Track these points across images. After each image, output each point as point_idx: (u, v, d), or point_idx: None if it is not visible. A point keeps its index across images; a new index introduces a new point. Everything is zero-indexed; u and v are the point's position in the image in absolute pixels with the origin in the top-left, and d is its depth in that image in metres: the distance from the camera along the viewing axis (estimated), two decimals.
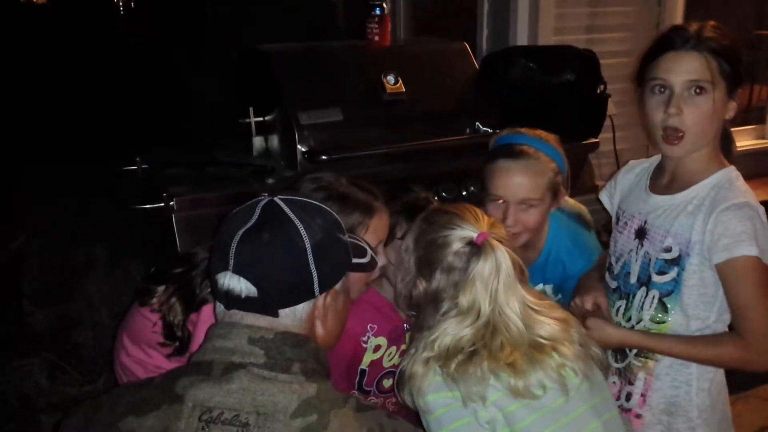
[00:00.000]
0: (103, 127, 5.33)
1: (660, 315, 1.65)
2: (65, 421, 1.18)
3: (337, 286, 1.21)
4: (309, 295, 1.16)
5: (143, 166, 2.55)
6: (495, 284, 1.42)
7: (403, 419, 1.18)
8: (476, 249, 1.43)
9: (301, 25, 4.04)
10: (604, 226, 2.94)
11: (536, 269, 1.92)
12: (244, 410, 1.05)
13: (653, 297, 1.66)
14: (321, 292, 1.17)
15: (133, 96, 5.84)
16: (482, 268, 1.42)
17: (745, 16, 4.21)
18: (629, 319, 1.72)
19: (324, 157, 2.34)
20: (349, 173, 1.80)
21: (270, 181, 2.37)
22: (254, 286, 1.12)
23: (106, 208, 2.49)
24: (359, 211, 1.63)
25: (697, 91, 1.55)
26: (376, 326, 1.83)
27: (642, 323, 1.69)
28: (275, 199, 1.18)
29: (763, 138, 4.08)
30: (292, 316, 1.16)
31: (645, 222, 1.71)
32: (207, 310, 1.66)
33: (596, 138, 2.83)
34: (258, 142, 2.64)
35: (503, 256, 1.43)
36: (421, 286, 1.51)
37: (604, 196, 1.93)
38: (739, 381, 1.80)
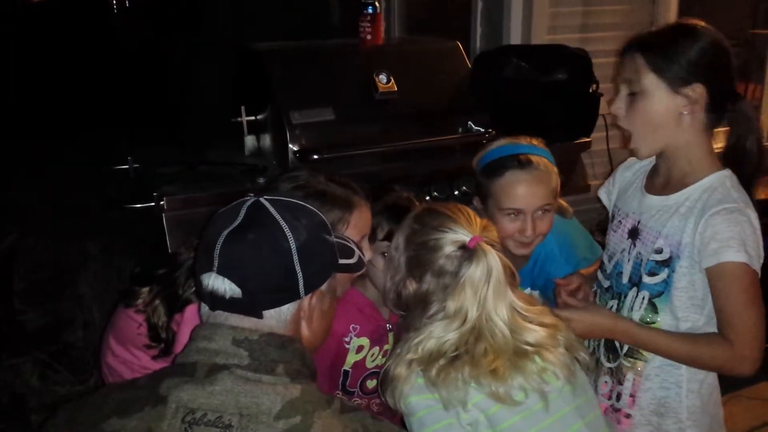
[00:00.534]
0: (95, 126, 5.32)
1: (650, 316, 1.65)
2: (50, 421, 1.18)
3: (323, 287, 1.21)
4: (294, 296, 1.16)
5: (135, 166, 2.55)
6: (485, 290, 1.41)
7: (388, 420, 1.18)
8: (468, 253, 1.43)
9: (295, 23, 4.03)
10: (598, 224, 2.95)
11: (525, 274, 1.92)
12: (227, 412, 1.05)
13: (643, 298, 1.66)
14: (306, 293, 1.17)
15: (125, 95, 5.82)
16: (473, 272, 1.41)
17: (740, 15, 4.21)
18: None
19: (316, 156, 2.33)
20: (340, 172, 1.79)
21: (261, 180, 2.37)
22: (238, 287, 1.11)
23: (98, 207, 2.48)
24: (338, 207, 1.61)
25: (632, 92, 1.60)
26: (358, 327, 1.82)
27: None
28: (261, 199, 1.18)
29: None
30: (277, 317, 1.15)
31: (638, 222, 1.71)
32: (190, 311, 1.66)
33: (588, 137, 2.83)
34: (250, 141, 2.63)
35: (495, 260, 1.43)
36: (411, 287, 1.51)
37: (602, 193, 1.93)
38: (731, 381, 1.79)
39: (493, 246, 1.46)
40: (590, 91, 2.70)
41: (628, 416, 1.72)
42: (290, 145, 2.38)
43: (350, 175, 1.78)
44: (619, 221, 1.78)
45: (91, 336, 3.27)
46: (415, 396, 1.38)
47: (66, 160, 4.62)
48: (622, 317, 1.68)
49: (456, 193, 2.55)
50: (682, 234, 1.58)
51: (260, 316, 1.14)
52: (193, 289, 1.68)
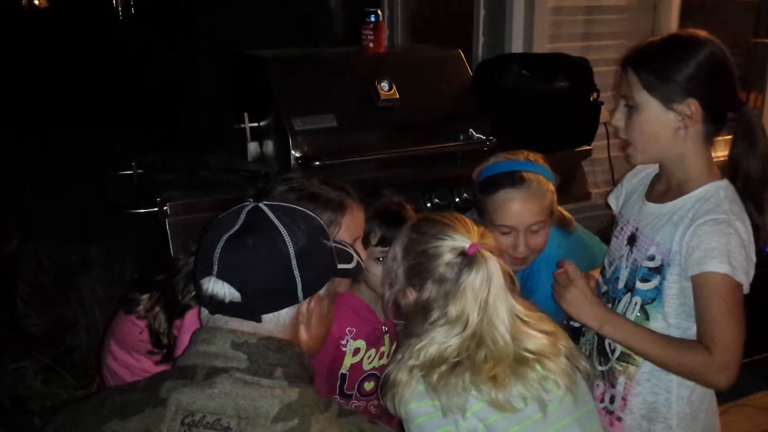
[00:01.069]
0: (99, 131, 5.35)
1: (642, 322, 1.65)
2: (51, 423, 1.19)
3: (321, 292, 1.22)
4: (293, 300, 1.17)
5: (138, 171, 2.57)
6: (485, 294, 1.42)
7: (385, 424, 1.19)
8: (468, 260, 1.44)
9: (298, 31, 4.06)
10: (599, 232, 2.95)
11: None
12: (225, 414, 1.06)
13: (636, 303, 1.67)
14: (304, 298, 1.18)
15: (128, 100, 5.85)
16: (474, 279, 1.42)
17: (741, 24, 4.22)
18: None
19: (317, 163, 2.35)
20: (342, 179, 1.81)
21: (261, 185, 2.38)
22: (238, 291, 1.13)
23: (101, 212, 2.50)
24: (330, 209, 1.62)
25: (627, 105, 1.62)
26: (354, 329, 1.83)
27: None
28: (260, 204, 1.19)
29: None
30: (275, 321, 1.16)
31: (636, 229, 1.72)
32: (191, 315, 1.67)
33: (589, 145, 2.85)
34: (252, 147, 2.65)
35: (494, 266, 1.44)
36: (411, 296, 1.51)
37: (612, 199, 1.94)
38: (733, 390, 1.79)
39: (491, 252, 1.47)
40: (591, 99, 2.72)
41: (619, 419, 1.73)
42: (292, 152, 2.40)
43: (351, 182, 1.80)
44: (621, 227, 1.79)
45: (94, 340, 3.27)
46: (415, 403, 1.39)
47: (69, 165, 4.64)
48: (608, 311, 1.68)
49: (457, 200, 2.56)
50: (672, 242, 1.59)
51: (259, 320, 1.15)
52: (193, 294, 1.69)
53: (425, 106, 2.65)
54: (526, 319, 1.47)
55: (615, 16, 3.41)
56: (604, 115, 2.81)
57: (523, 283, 1.94)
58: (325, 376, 1.79)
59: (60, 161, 4.82)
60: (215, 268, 1.13)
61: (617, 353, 1.72)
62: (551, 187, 1.88)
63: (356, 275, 1.42)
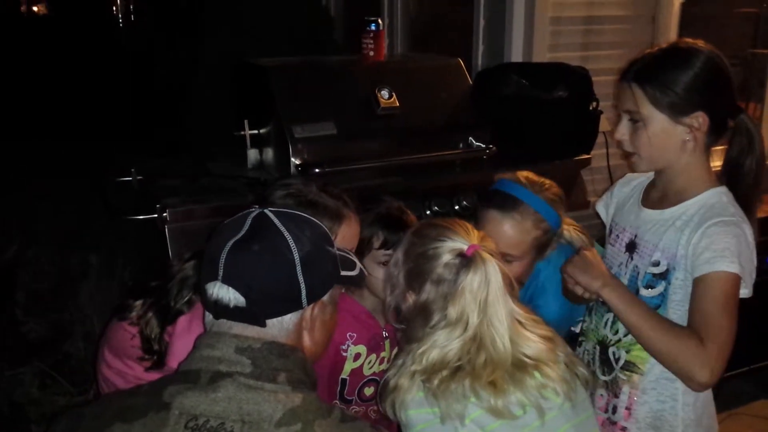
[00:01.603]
0: (98, 137, 5.35)
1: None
2: (52, 428, 1.19)
3: (325, 298, 1.23)
4: (297, 306, 1.17)
5: (138, 178, 2.57)
6: (484, 296, 1.42)
7: (386, 429, 1.19)
8: (466, 261, 1.44)
9: (298, 38, 4.07)
10: (597, 241, 2.96)
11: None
12: (229, 418, 1.06)
13: None
14: (308, 303, 1.18)
15: (128, 106, 5.86)
16: (472, 280, 1.42)
17: (739, 35, 4.24)
18: (616, 332, 1.73)
19: (317, 170, 2.36)
20: (341, 186, 1.81)
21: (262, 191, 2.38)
22: (243, 296, 1.13)
23: (101, 218, 2.50)
24: (327, 217, 1.62)
25: (632, 120, 1.61)
26: (355, 334, 1.84)
27: (628, 336, 1.69)
28: (265, 211, 1.20)
29: None
30: (279, 327, 1.17)
31: (635, 236, 1.73)
32: (183, 321, 1.68)
33: (588, 154, 2.86)
34: (252, 154, 2.66)
35: (493, 268, 1.44)
36: (411, 299, 1.51)
37: (600, 207, 1.94)
38: (731, 398, 1.80)
39: (492, 255, 1.47)
40: (590, 108, 2.73)
41: (623, 429, 1.73)
42: (292, 159, 2.40)
43: (351, 189, 1.81)
44: (617, 235, 1.80)
45: (92, 347, 3.26)
46: (414, 410, 1.39)
47: (69, 171, 4.63)
48: (616, 280, 1.65)
49: (456, 207, 2.57)
50: (677, 246, 1.59)
51: (263, 325, 1.15)
52: (186, 300, 1.71)
53: (425, 115, 2.66)
54: (524, 321, 1.47)
55: (614, 26, 3.43)
56: (603, 124, 2.83)
57: (527, 301, 1.92)
58: (325, 381, 1.79)
59: (59, 167, 4.81)
60: (221, 272, 1.14)
61: (621, 362, 1.72)
62: (544, 225, 1.79)
63: (359, 282, 1.42)
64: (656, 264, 1.64)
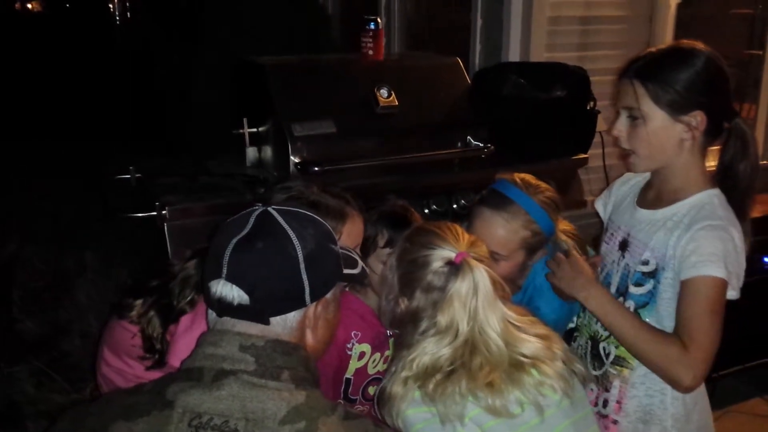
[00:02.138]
0: (96, 136, 5.34)
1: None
2: (55, 426, 1.18)
3: (328, 296, 1.23)
4: (300, 303, 1.17)
5: (136, 176, 2.57)
6: (473, 303, 1.43)
7: (390, 428, 1.20)
8: (455, 269, 1.45)
9: (297, 37, 4.07)
10: (594, 239, 2.97)
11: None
12: (233, 416, 1.06)
13: (629, 308, 1.69)
14: (312, 301, 1.19)
15: (126, 105, 5.84)
16: (460, 287, 1.43)
17: (735, 35, 4.26)
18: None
19: (316, 169, 2.36)
20: (340, 185, 1.82)
21: (262, 191, 2.38)
22: (246, 294, 1.13)
23: (98, 216, 2.50)
24: (330, 217, 1.61)
25: (632, 116, 1.62)
26: (360, 333, 1.84)
27: None
28: (269, 209, 1.20)
29: None
30: (283, 324, 1.17)
31: (628, 234, 1.74)
32: (185, 321, 1.68)
33: (586, 153, 2.87)
34: (251, 152, 2.66)
35: (481, 275, 1.44)
36: (403, 304, 1.52)
37: (599, 204, 1.96)
38: (725, 397, 1.81)
39: (481, 261, 1.47)
40: (588, 108, 2.74)
41: (615, 422, 1.75)
42: (291, 157, 2.40)
43: (350, 188, 1.81)
44: (611, 233, 1.82)
45: (88, 345, 3.26)
46: (413, 409, 1.39)
47: (66, 170, 4.63)
48: (600, 287, 1.68)
49: (455, 206, 2.58)
50: (666, 247, 1.61)
51: (267, 323, 1.15)
52: (188, 299, 1.70)
53: (424, 113, 2.67)
54: (519, 324, 1.47)
55: (611, 26, 3.44)
56: (600, 123, 2.84)
57: (526, 303, 1.92)
58: (330, 380, 1.79)
59: (56, 166, 4.81)
60: (224, 270, 1.14)
61: (612, 357, 1.74)
62: (534, 227, 1.78)
63: (361, 280, 1.43)
64: (645, 263, 1.66)
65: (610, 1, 3.39)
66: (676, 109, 1.58)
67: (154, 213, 2.24)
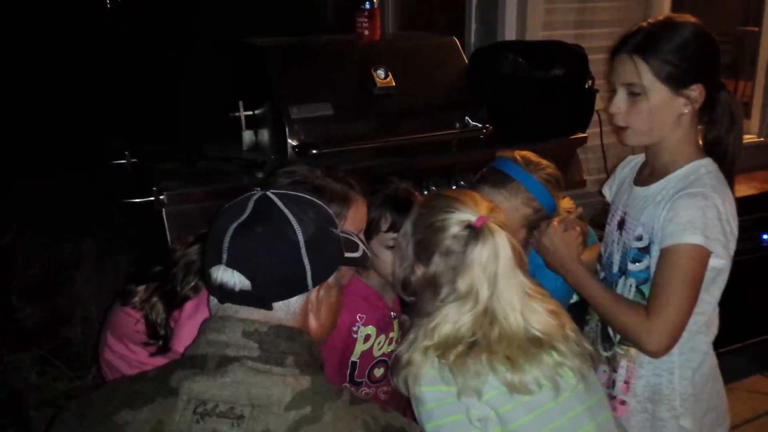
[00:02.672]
0: (91, 123, 5.30)
1: (641, 302, 1.66)
2: (59, 417, 1.18)
3: (330, 280, 1.22)
4: (302, 288, 1.16)
5: (132, 161, 2.55)
6: (494, 269, 1.41)
7: (396, 411, 1.19)
8: (475, 233, 1.42)
9: (291, 18, 4.03)
10: (591, 220, 2.97)
11: None
12: (238, 403, 1.06)
13: (631, 285, 1.69)
14: (314, 286, 1.18)
15: (120, 91, 5.79)
16: (480, 252, 1.41)
17: (730, 12, 4.25)
18: None
19: (314, 151, 2.35)
20: (339, 167, 1.80)
21: (260, 175, 2.37)
22: (248, 280, 1.12)
23: (96, 202, 2.48)
24: (335, 202, 1.60)
25: (632, 93, 1.61)
26: (364, 316, 1.83)
27: None
28: (268, 193, 1.18)
29: (749, 133, 4.11)
30: (285, 310, 1.16)
31: (625, 213, 1.75)
32: (189, 307, 1.67)
33: (584, 133, 2.86)
34: (248, 136, 2.64)
35: (502, 240, 1.42)
36: (419, 270, 1.50)
37: (606, 189, 1.95)
38: (725, 374, 1.81)
39: (501, 227, 1.45)
40: (586, 87, 2.73)
41: (623, 403, 1.75)
42: (289, 140, 2.39)
43: (349, 170, 1.79)
44: (612, 214, 1.83)
45: (89, 331, 3.27)
46: (427, 386, 1.38)
47: (63, 157, 4.60)
48: (586, 267, 1.75)
49: (453, 187, 2.56)
50: (654, 221, 1.62)
51: (270, 308, 1.14)
52: (192, 285, 1.69)
53: (421, 94, 2.65)
54: (533, 294, 1.46)
55: (608, 3, 3.42)
56: (598, 102, 2.82)
57: None
58: (336, 364, 1.79)
59: (53, 153, 4.78)
60: (225, 256, 1.13)
61: (619, 336, 1.74)
62: (535, 204, 1.79)
63: (363, 264, 1.42)
64: (639, 238, 1.67)
65: None
66: (678, 82, 1.58)
67: (152, 198, 2.22)
